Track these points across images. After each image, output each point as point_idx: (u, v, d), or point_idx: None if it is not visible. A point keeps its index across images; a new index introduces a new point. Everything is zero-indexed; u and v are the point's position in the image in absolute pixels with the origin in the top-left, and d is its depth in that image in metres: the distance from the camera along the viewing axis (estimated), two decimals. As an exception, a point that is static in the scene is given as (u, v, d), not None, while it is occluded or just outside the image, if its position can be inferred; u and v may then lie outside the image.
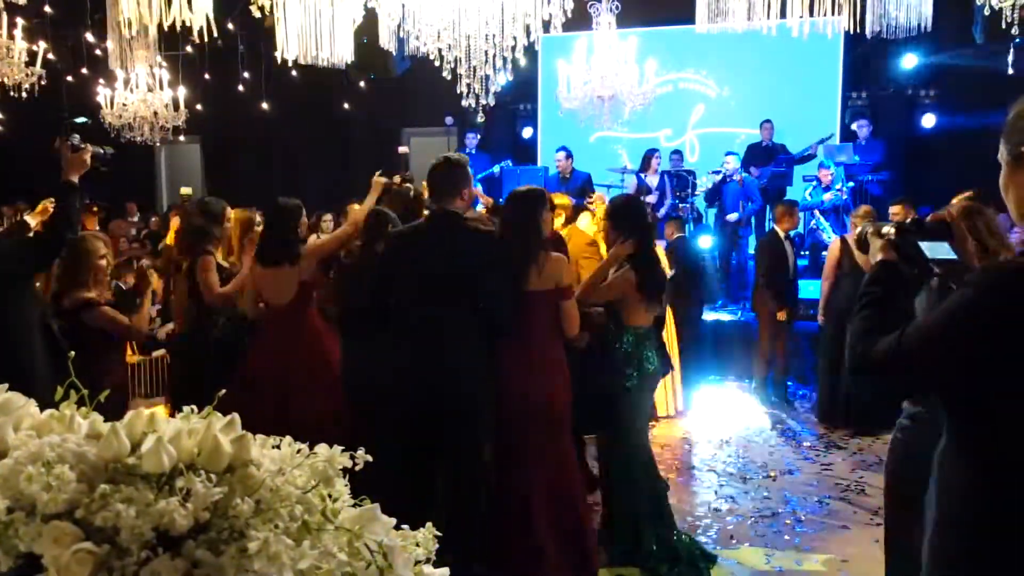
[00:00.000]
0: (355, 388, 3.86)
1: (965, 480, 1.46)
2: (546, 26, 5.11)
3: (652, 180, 9.48)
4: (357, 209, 4.41)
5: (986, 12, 5.08)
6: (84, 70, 9.66)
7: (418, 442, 3.27)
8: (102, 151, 3.54)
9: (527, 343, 3.39)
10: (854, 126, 9.91)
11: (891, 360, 1.48)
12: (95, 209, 5.68)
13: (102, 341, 3.72)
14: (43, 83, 7.16)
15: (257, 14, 5.14)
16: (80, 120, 4.10)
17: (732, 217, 9.15)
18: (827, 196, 8.92)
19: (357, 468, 1.14)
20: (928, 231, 1.74)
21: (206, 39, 4.94)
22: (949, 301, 1.45)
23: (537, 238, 3.39)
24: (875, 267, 1.73)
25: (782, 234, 6.79)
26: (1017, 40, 5.32)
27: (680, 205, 9.29)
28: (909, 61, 10.14)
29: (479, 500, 3.28)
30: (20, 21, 6.74)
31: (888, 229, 1.75)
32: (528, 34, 5.11)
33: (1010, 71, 8.11)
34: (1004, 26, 4.91)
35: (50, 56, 7.73)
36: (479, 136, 10.80)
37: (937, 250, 1.67)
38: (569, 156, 9.29)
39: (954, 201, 2.78)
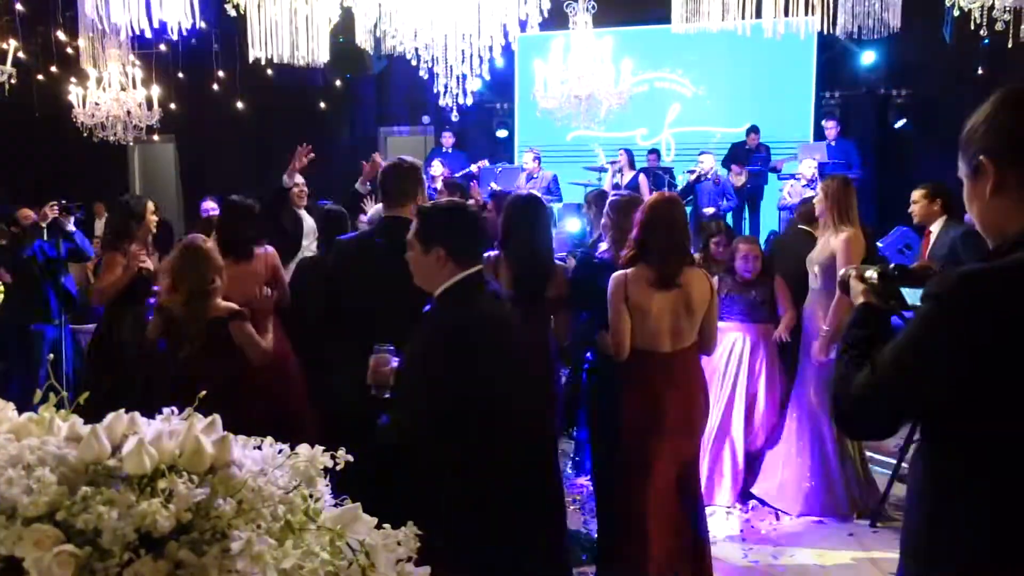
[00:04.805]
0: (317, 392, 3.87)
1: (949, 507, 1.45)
2: (522, 25, 5.12)
3: (627, 176, 9.51)
4: None
5: (955, 13, 5.16)
6: (55, 68, 9.53)
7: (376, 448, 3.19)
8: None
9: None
10: (823, 123, 9.98)
11: (872, 392, 1.45)
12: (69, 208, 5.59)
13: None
14: (13, 81, 7.05)
15: (232, 13, 5.12)
16: None
17: (709, 211, 9.12)
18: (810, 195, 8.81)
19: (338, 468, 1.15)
20: (911, 277, 1.73)
21: (179, 37, 4.92)
22: (915, 319, 1.44)
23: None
24: (856, 309, 1.72)
25: None
26: (985, 41, 5.41)
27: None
28: (880, 61, 10.26)
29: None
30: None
31: (871, 274, 1.74)
32: (505, 33, 5.12)
33: (979, 71, 8.26)
34: (973, 27, 4.99)
35: (20, 54, 7.62)
36: (456, 135, 10.80)
37: (919, 296, 1.67)
38: (536, 158, 9.44)
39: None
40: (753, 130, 9.89)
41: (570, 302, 3.62)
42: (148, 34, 5.01)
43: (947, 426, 1.44)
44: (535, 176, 9.34)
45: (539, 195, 3.99)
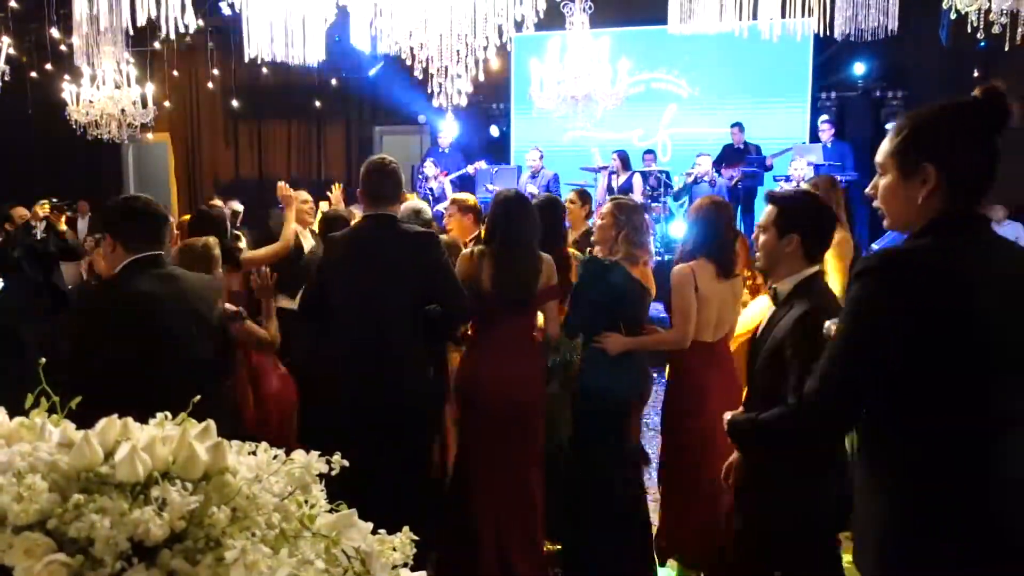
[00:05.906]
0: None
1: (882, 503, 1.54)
2: (519, 25, 5.10)
3: (621, 178, 9.51)
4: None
5: (952, 16, 5.16)
6: (49, 66, 9.49)
7: (361, 442, 3.17)
8: None
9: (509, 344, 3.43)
10: (819, 124, 9.99)
11: (827, 382, 1.56)
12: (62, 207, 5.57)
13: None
14: (7, 79, 7.03)
15: (227, 11, 5.10)
16: None
17: None
18: None
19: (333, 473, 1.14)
20: None
21: (173, 35, 4.89)
22: (845, 306, 1.56)
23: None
24: None
25: None
26: (982, 44, 5.41)
27: (653, 204, 9.35)
28: (877, 63, 10.28)
29: (421, 496, 3.24)
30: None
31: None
32: (500, 33, 5.10)
33: (976, 74, 8.28)
34: (970, 30, 4.98)
35: (11, 51, 7.59)
36: (452, 135, 10.78)
37: None
38: (541, 156, 9.45)
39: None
40: (736, 126, 9.91)
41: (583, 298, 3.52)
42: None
43: (887, 416, 1.52)
44: (538, 173, 9.36)
45: (525, 193, 3.95)
